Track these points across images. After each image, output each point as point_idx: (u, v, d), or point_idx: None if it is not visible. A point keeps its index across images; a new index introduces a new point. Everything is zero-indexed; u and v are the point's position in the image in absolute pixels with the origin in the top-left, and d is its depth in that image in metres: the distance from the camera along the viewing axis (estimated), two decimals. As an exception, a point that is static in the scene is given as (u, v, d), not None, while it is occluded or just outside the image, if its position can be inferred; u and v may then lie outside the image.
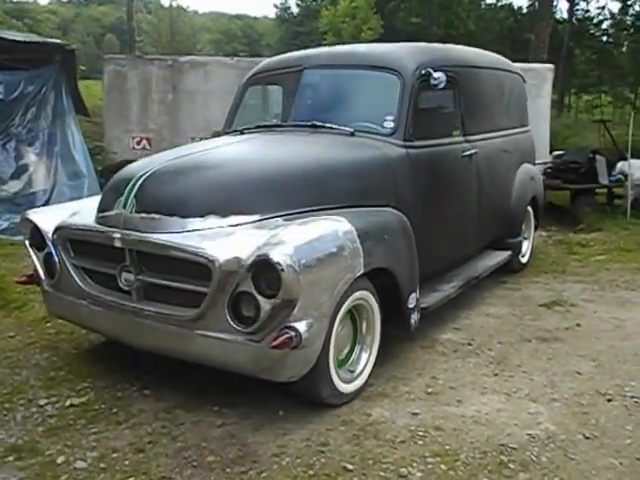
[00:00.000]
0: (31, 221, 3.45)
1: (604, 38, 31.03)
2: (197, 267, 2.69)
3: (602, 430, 2.81)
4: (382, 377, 3.30)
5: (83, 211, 3.43)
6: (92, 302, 3.15)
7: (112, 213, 2.99)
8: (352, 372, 3.11)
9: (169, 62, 10.10)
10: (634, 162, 7.53)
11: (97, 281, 3.16)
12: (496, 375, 3.38)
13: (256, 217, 2.93)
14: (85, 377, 3.34)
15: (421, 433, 2.78)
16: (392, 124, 3.66)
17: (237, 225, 2.87)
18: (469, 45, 5.22)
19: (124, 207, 2.93)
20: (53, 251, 3.30)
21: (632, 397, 3.11)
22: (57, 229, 3.26)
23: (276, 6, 59.10)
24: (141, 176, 2.98)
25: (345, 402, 3.02)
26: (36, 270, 3.49)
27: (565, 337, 3.90)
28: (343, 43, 22.54)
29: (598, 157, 7.57)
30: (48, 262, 3.39)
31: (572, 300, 4.58)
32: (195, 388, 3.17)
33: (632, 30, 29.28)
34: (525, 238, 5.41)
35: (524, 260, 5.41)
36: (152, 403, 3.06)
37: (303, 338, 2.58)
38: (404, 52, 3.97)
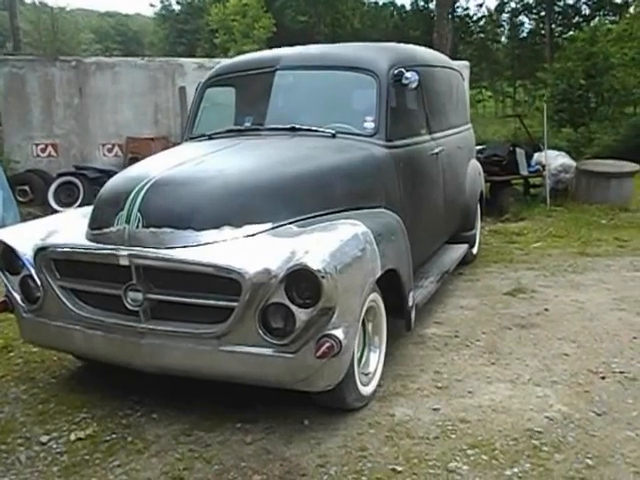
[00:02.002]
0: (2, 242, 3.13)
1: (482, 35, 33.01)
2: (222, 281, 2.58)
3: (608, 406, 3.01)
4: (388, 377, 3.33)
5: (61, 229, 3.18)
6: (87, 326, 2.92)
7: (113, 229, 2.78)
8: (367, 374, 3.11)
9: (73, 63, 9.58)
10: (550, 153, 8.09)
11: (92, 303, 2.94)
12: (493, 364, 3.51)
13: (269, 225, 2.85)
14: (79, 407, 3.10)
15: (450, 427, 2.84)
16: (372, 124, 3.68)
17: (253, 235, 2.78)
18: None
19: (127, 222, 2.75)
20: (34, 274, 3.03)
21: (621, 372, 3.36)
22: (40, 250, 2.98)
23: (152, 5, 57.52)
24: (141, 188, 2.80)
25: (364, 405, 3.03)
26: (8, 296, 3.18)
27: (540, 322, 4.12)
28: (234, 41, 22.14)
29: (518, 150, 8.05)
30: (26, 286, 3.11)
31: (531, 287, 4.85)
32: (203, 407, 3.04)
33: (508, 27, 31.47)
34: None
35: (474, 251, 5.65)
36: (165, 427, 2.90)
37: (343, 345, 2.55)
38: (376, 52, 4.01)
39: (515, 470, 2.51)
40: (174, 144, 9.27)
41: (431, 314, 4.29)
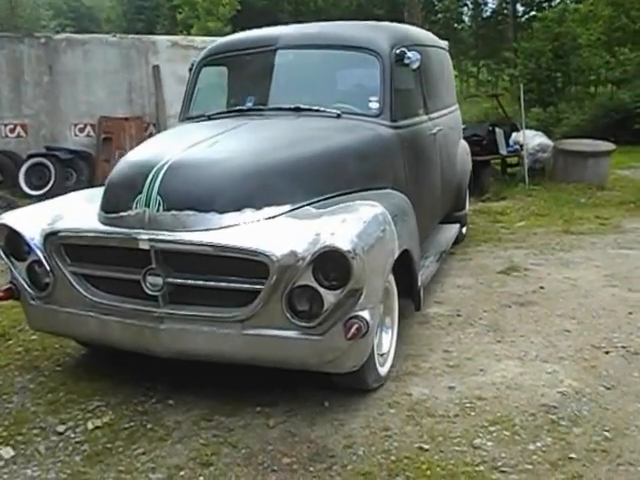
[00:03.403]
0: (7, 227, 3.02)
1: (447, 14, 33.05)
2: (247, 264, 2.55)
3: (616, 380, 3.10)
4: (399, 357, 3.35)
5: (66, 213, 3.08)
6: (102, 312, 2.86)
7: (131, 213, 2.71)
8: (382, 355, 3.13)
9: (42, 40, 9.24)
10: (528, 133, 8.21)
11: (107, 288, 2.88)
12: (499, 342, 3.57)
13: (287, 207, 2.82)
14: (90, 395, 3.04)
15: (468, 405, 2.89)
16: (377, 105, 3.65)
17: (273, 217, 2.75)
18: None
19: (147, 205, 2.68)
20: (43, 259, 2.94)
21: (623, 347, 3.46)
22: (50, 234, 2.89)
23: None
24: (159, 170, 2.73)
25: (381, 385, 3.05)
26: (14, 283, 3.08)
27: (537, 300, 4.21)
28: (198, 18, 21.49)
29: (497, 130, 8.14)
30: (33, 272, 3.02)
31: (523, 265, 4.95)
32: (219, 391, 3.02)
33: (472, 6, 31.58)
34: (463, 210, 5.71)
35: (464, 231, 5.72)
36: (184, 413, 2.87)
37: (370, 326, 2.56)
38: (377, 32, 3.97)
39: (538, 444, 2.57)
40: (149, 124, 9.15)
41: (431, 294, 4.33)
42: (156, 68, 8.83)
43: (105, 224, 2.83)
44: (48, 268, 2.93)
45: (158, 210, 2.66)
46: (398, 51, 3.77)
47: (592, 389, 3.01)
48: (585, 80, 16.19)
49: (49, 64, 9.15)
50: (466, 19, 34.74)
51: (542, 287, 4.44)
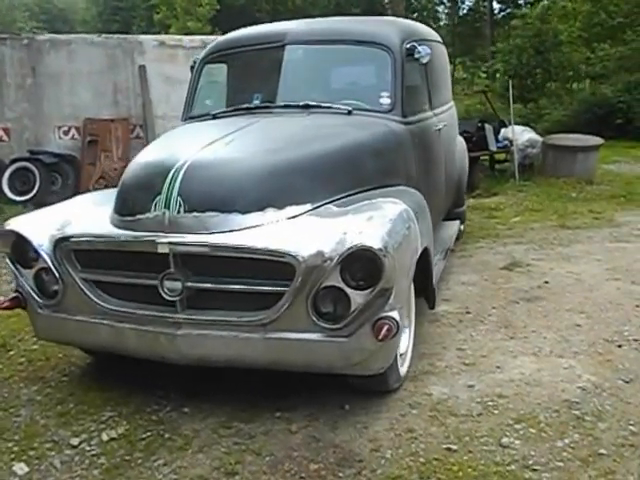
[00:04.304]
0: (14, 233, 2.91)
1: (425, 13, 33.20)
2: (271, 266, 2.49)
3: (634, 373, 3.09)
4: (413, 356, 3.29)
5: (74, 217, 2.98)
6: (115, 319, 2.77)
7: (149, 215, 2.62)
8: (400, 355, 3.08)
9: (25, 41, 9.01)
10: (517, 128, 8.24)
11: (120, 295, 2.79)
12: (512, 338, 3.55)
13: (308, 206, 2.76)
14: (101, 406, 2.95)
15: (490, 403, 2.85)
16: (389, 100, 3.59)
17: (296, 216, 2.69)
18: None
19: (167, 207, 2.59)
20: (52, 266, 2.83)
21: (635, 340, 3.46)
22: (61, 240, 2.79)
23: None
24: (177, 170, 2.64)
25: (400, 386, 3.01)
26: (20, 291, 2.98)
27: (543, 295, 4.20)
28: (176, 18, 21.15)
29: (487, 126, 8.15)
30: (40, 280, 2.92)
31: (525, 260, 4.94)
32: (234, 398, 2.95)
33: (449, 4, 31.76)
34: (461, 207, 5.69)
35: (462, 227, 5.70)
36: (201, 421, 2.79)
37: (400, 326, 2.51)
38: (386, 26, 3.93)
39: (566, 441, 2.54)
40: (135, 125, 8.99)
41: (437, 291, 4.29)
42: (142, 68, 8.67)
43: (119, 227, 2.74)
44: (57, 275, 2.83)
45: (179, 212, 2.57)
46: (409, 45, 3.73)
47: (611, 383, 3.00)
48: (565, 76, 16.32)
49: (32, 66, 8.92)
50: (443, 17, 34.98)
51: (547, 282, 4.44)
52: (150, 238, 2.60)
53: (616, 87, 13.51)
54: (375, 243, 2.39)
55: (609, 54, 15.57)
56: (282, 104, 3.60)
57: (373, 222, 2.55)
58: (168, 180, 2.61)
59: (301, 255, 2.42)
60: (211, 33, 19.58)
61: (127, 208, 2.74)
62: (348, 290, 2.44)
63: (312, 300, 2.47)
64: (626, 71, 14.37)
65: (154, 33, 22.31)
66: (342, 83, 3.84)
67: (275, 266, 2.47)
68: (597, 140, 8.17)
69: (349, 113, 3.49)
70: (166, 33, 22.15)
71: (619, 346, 3.40)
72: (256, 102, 3.74)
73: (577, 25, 16.74)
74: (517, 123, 11.20)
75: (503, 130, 8.49)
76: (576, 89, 17.97)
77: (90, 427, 2.78)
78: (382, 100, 3.58)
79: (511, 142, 8.18)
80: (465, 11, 33.30)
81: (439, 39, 5.09)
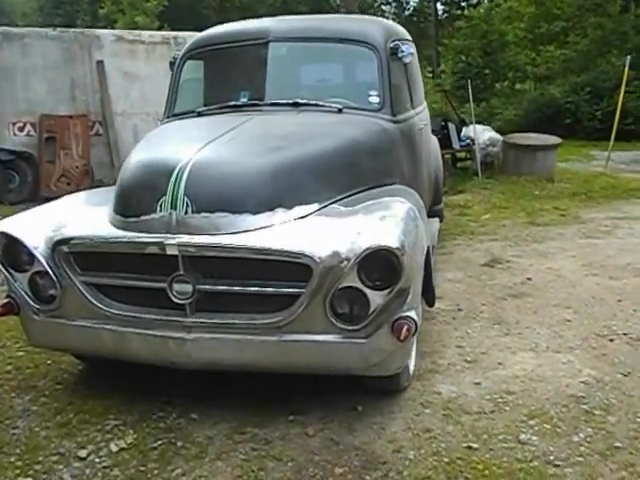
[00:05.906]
0: (6, 235, 2.74)
1: (371, 11, 33.45)
2: (286, 267, 2.42)
3: (630, 367, 3.18)
4: (415, 355, 3.32)
5: (68, 218, 2.83)
6: (119, 324, 2.64)
7: (155, 216, 2.51)
8: (408, 354, 3.08)
9: None
10: (478, 127, 8.41)
11: (123, 299, 2.66)
12: (507, 334, 3.61)
13: (315, 206, 2.71)
14: (103, 414, 2.82)
15: (500, 400, 2.88)
16: (378, 99, 3.58)
17: (304, 217, 2.63)
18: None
19: (173, 207, 2.49)
20: (48, 270, 2.68)
21: (624, 334, 3.57)
22: (59, 242, 2.64)
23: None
24: (182, 169, 2.54)
25: (409, 385, 3.00)
26: (12, 297, 2.81)
27: (528, 291, 4.29)
28: (122, 12, 20.57)
29: (450, 124, 8.28)
30: (35, 284, 2.75)
31: (504, 257, 5.04)
32: (241, 401, 2.87)
33: (394, 4, 32.12)
34: (436, 204, 5.74)
35: (440, 224, 5.75)
36: (212, 427, 2.71)
37: (418, 326, 2.50)
38: (370, 25, 3.92)
39: (581, 435, 2.59)
40: (94, 122, 8.68)
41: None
42: (100, 64, 8.38)
43: (122, 229, 2.61)
44: (55, 279, 2.68)
45: (187, 212, 2.48)
46: (392, 45, 3.73)
47: (611, 377, 3.08)
48: (512, 76, 16.81)
49: None
50: (389, 17, 35.36)
51: (529, 278, 4.53)
52: (158, 239, 2.49)
53: (563, 88, 14.01)
54: (393, 242, 2.37)
55: (554, 56, 16.14)
56: (270, 102, 3.52)
57: (386, 221, 2.53)
58: (172, 180, 2.50)
59: (318, 256, 2.38)
60: (159, 28, 19.15)
61: (129, 209, 2.62)
62: (367, 291, 2.41)
63: (329, 301, 2.43)
64: (572, 73, 14.93)
65: (100, 28, 21.63)
66: (329, 81, 3.81)
67: (290, 267, 2.41)
68: (556, 139, 8.43)
69: (339, 111, 3.45)
70: (112, 28, 21.49)
71: (611, 340, 3.50)
72: (243, 100, 3.64)
73: (522, 27, 17.26)
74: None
75: (465, 129, 8.64)
76: (523, 89, 18.54)
77: (96, 437, 2.65)
78: (371, 99, 3.57)
79: (473, 141, 8.34)
80: (410, 11, 33.78)
81: (411, 39, 5.13)
